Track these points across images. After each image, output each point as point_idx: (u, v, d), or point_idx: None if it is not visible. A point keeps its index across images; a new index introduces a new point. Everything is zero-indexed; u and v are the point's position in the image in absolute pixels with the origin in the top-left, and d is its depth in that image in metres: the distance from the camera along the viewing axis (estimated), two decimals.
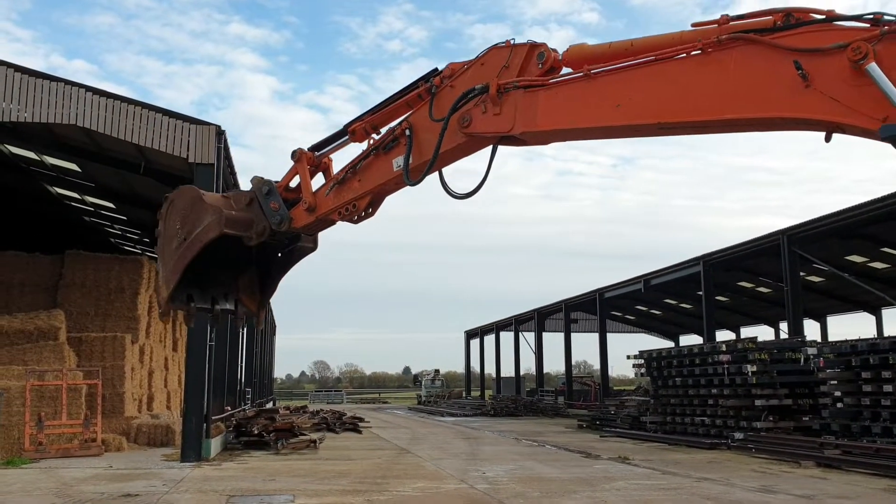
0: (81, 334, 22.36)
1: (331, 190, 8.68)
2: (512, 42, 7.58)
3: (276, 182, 9.01)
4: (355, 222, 8.81)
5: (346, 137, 9.14)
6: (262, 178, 9.09)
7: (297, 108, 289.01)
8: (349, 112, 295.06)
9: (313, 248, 9.62)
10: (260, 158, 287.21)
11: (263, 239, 8.80)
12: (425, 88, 8.47)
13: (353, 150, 8.85)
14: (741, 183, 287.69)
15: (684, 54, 6.18)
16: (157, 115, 18.03)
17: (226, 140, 18.19)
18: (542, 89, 7.21)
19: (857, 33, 5.25)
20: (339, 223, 9.05)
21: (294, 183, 9.09)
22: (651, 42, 6.52)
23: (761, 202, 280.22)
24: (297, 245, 9.39)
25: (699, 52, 6.01)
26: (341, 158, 9.04)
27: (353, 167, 8.58)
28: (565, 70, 7.18)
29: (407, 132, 8.18)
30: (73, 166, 23.61)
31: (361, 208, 8.51)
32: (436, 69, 8.46)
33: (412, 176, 7.96)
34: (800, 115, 5.59)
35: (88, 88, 18.00)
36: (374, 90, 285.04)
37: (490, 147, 7.92)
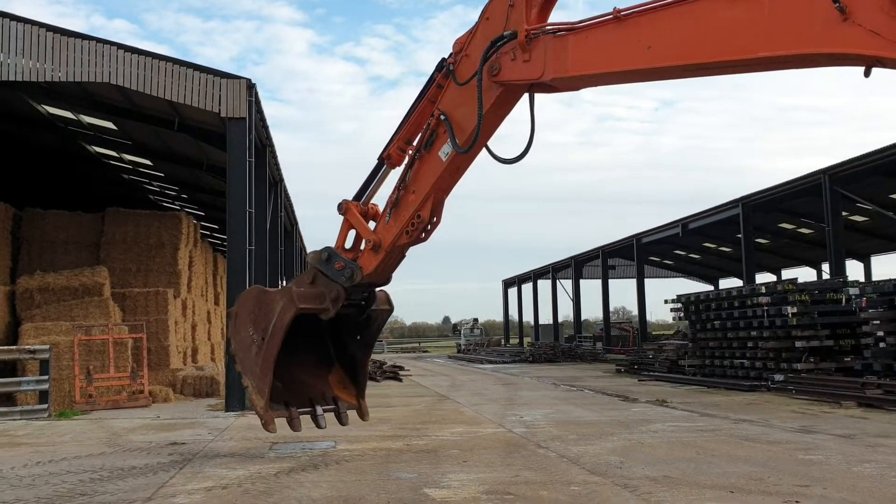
0: (125, 290, 22.83)
1: (390, 217, 8.61)
2: None
3: (332, 247, 8.98)
4: (424, 239, 8.71)
5: (384, 167, 9.06)
6: (317, 251, 9.10)
7: (334, 60, 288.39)
8: (386, 63, 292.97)
9: (389, 309, 9.50)
10: (298, 112, 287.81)
11: (340, 305, 8.73)
12: (442, 74, 8.39)
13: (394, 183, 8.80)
14: (785, 123, 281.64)
15: None
16: (188, 70, 18.05)
17: (257, 94, 18.20)
18: (572, 34, 7.08)
19: None
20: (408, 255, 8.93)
21: (349, 243, 9.05)
22: None
23: (806, 142, 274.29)
24: (372, 311, 9.29)
25: None
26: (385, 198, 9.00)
27: (401, 184, 8.51)
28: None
29: (442, 118, 8.11)
30: (109, 124, 23.86)
31: (426, 218, 8.43)
32: (443, 58, 8.42)
33: (463, 146, 7.87)
34: (837, 51, 5.40)
35: (120, 46, 18.07)
36: (411, 40, 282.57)
37: (529, 108, 7.83)
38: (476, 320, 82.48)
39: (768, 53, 5.79)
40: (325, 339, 9.91)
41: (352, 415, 10.35)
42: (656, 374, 27.28)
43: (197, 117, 19.99)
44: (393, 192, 8.74)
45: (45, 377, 16.86)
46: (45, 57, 17.81)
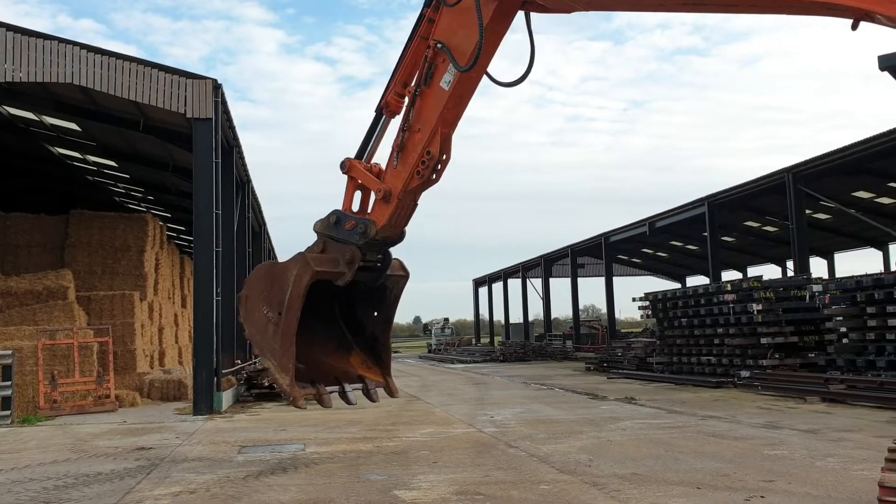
0: (90, 293, 22.52)
1: (397, 161, 8.40)
2: None
3: (339, 209, 8.79)
4: (435, 180, 8.39)
5: (383, 119, 8.87)
6: (322, 218, 8.74)
7: (304, 60, 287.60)
8: (357, 63, 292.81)
9: (405, 275, 9.14)
10: (268, 112, 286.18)
11: (356, 268, 8.40)
12: (432, 7, 8.29)
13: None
14: (755, 122, 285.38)
15: None
16: (153, 70, 17.86)
17: (223, 94, 18.05)
18: None
19: None
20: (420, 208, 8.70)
21: (356, 206, 8.84)
22: None
23: (776, 141, 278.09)
24: (387, 279, 8.97)
25: None
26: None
27: (405, 124, 8.31)
28: None
29: (439, 46, 8.00)
30: (73, 125, 23.52)
31: (436, 154, 8.14)
32: None
33: (465, 64, 7.74)
34: (829, 0, 5.41)
35: (83, 46, 17.82)
36: (382, 40, 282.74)
37: (526, 29, 7.78)
38: (447, 320, 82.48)
39: None
40: (339, 325, 9.70)
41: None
42: (625, 371, 27.50)
43: (162, 118, 19.77)
44: (397, 136, 8.46)
45: (8, 383, 16.52)
46: (6, 57, 17.49)
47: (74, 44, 17.78)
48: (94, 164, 29.11)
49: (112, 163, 28.00)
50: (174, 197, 31.02)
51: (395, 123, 8.83)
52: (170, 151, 23.47)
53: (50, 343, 18.59)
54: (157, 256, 26.02)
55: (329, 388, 8.97)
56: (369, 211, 8.78)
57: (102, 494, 8.56)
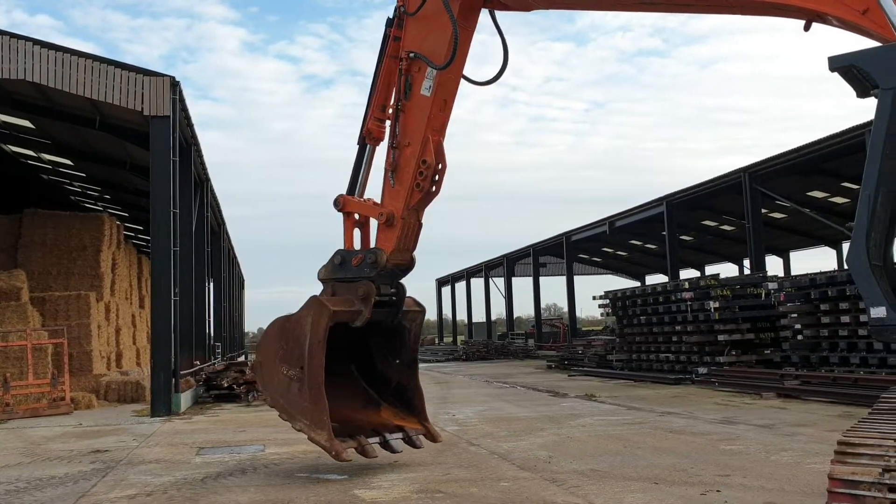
0: (45, 294, 22.08)
1: (393, 180, 8.25)
2: None
3: (342, 248, 8.60)
4: (435, 192, 8.34)
5: (368, 148, 8.74)
6: (325, 263, 8.56)
7: (267, 58, 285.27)
8: (320, 62, 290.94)
9: (421, 310, 8.95)
10: (230, 110, 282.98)
11: (372, 303, 8.17)
12: (395, 25, 8.28)
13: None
14: (711, 123, 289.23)
15: None
16: (109, 67, 17.58)
17: (181, 91, 17.82)
18: None
19: None
20: (426, 226, 8.58)
21: (357, 243, 8.65)
22: None
23: (732, 142, 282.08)
24: (404, 316, 8.75)
25: None
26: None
27: (393, 142, 8.21)
28: None
29: (411, 55, 7.96)
30: (27, 123, 23.05)
31: (432, 163, 8.08)
32: (388, 17, 8.33)
33: (443, 62, 7.70)
34: (782, 1, 5.50)
35: (36, 42, 17.47)
36: (345, 39, 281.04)
37: (495, 28, 7.93)
38: None
39: None
40: (359, 383, 9.27)
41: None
42: (586, 369, 27.73)
43: (119, 115, 19.46)
44: (387, 156, 8.35)
45: None
46: None
47: (28, 39, 17.44)
48: (49, 162, 28.55)
49: (68, 161, 27.49)
50: (131, 196, 30.56)
51: (381, 152, 8.78)
52: (127, 149, 23.11)
53: (3, 345, 18.23)
54: (113, 256, 25.60)
55: (371, 440, 8.62)
56: (373, 244, 8.60)
57: (56, 498, 8.40)
